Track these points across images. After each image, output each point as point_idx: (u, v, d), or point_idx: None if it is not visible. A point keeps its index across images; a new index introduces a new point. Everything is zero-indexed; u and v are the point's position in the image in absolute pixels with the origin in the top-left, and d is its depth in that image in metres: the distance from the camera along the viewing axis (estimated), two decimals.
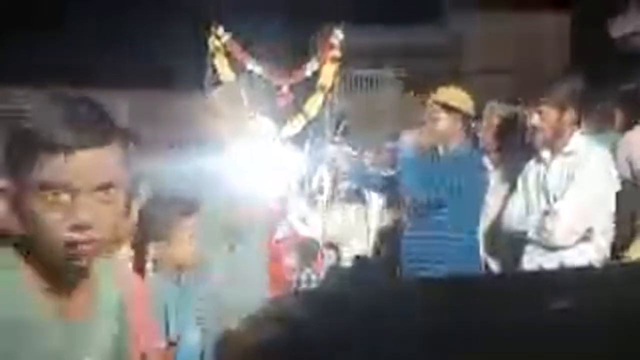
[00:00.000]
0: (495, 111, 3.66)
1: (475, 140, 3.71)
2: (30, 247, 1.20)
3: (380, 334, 0.49)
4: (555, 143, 2.99)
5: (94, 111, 1.19)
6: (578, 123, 3.02)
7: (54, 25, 10.99)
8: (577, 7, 15.30)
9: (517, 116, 3.70)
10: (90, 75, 9.10)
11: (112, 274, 1.39)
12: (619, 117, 3.93)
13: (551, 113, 2.95)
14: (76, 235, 1.15)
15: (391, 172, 3.70)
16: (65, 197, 1.14)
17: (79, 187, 1.14)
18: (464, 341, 0.46)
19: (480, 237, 3.41)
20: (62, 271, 1.23)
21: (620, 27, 12.98)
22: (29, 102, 1.22)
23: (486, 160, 3.57)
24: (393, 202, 3.76)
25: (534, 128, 3.01)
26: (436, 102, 3.34)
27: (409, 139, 3.34)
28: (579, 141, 2.98)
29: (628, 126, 3.70)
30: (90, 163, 1.15)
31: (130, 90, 9.50)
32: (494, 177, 3.53)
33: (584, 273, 0.78)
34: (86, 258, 1.20)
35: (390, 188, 3.61)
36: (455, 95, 3.38)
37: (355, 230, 4.42)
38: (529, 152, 3.21)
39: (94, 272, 1.30)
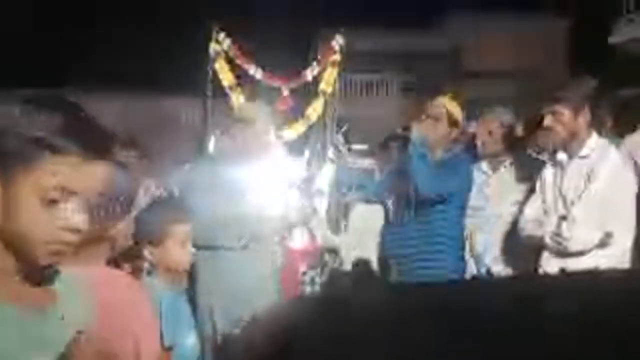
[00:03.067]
0: (494, 116, 3.68)
1: (470, 145, 3.75)
2: (4, 239, 1.21)
3: (380, 339, 0.49)
4: (571, 145, 2.93)
5: (93, 122, 1.25)
6: (593, 125, 2.96)
7: (56, 31, 10.99)
8: (577, 12, 15.32)
9: (517, 120, 3.73)
10: (86, 80, 9.10)
11: (80, 284, 1.40)
12: (615, 121, 3.94)
13: (565, 114, 2.90)
14: (69, 237, 1.21)
15: (388, 174, 3.75)
16: (62, 199, 1.19)
17: (76, 191, 1.20)
18: (463, 345, 0.48)
19: (497, 243, 3.41)
20: (33, 267, 1.26)
21: (620, 33, 13.00)
22: (25, 106, 1.21)
23: (485, 166, 3.60)
24: (395, 203, 3.76)
25: (548, 130, 2.97)
26: (436, 105, 3.43)
27: (416, 130, 3.41)
28: (595, 144, 2.92)
29: (624, 131, 3.71)
30: (89, 171, 1.21)
31: (129, 96, 9.49)
32: (493, 182, 3.55)
33: (586, 278, 0.79)
34: (62, 258, 1.25)
35: (390, 191, 3.65)
36: (450, 103, 3.48)
37: (356, 233, 4.42)
38: (537, 156, 3.20)
39: (55, 280, 1.33)
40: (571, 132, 2.92)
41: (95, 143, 1.22)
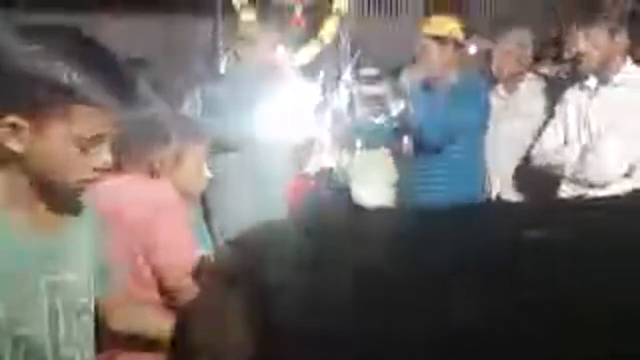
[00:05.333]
0: (513, 38, 3.51)
1: (486, 67, 3.61)
2: (32, 173, 1.27)
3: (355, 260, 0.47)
4: (604, 71, 2.75)
5: (119, 65, 1.30)
6: (630, 51, 2.78)
7: None
8: None
9: (536, 42, 3.57)
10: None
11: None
12: None
13: (600, 36, 2.70)
14: (97, 175, 1.31)
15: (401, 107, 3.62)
16: (96, 144, 1.27)
17: (106, 135, 1.28)
18: (439, 269, 0.44)
19: (509, 167, 3.29)
20: (59, 198, 1.35)
21: None
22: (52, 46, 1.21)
23: (501, 90, 3.47)
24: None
25: (580, 53, 2.76)
26: (425, 35, 3.24)
27: (409, 75, 3.26)
28: (631, 71, 2.75)
29: None
30: (115, 114, 1.28)
31: (134, 17, 9.22)
32: (511, 103, 3.42)
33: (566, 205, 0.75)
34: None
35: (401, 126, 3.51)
36: (440, 25, 3.27)
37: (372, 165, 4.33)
38: (560, 78, 3.04)
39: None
40: (606, 57, 2.73)
41: (119, 86, 1.26)
